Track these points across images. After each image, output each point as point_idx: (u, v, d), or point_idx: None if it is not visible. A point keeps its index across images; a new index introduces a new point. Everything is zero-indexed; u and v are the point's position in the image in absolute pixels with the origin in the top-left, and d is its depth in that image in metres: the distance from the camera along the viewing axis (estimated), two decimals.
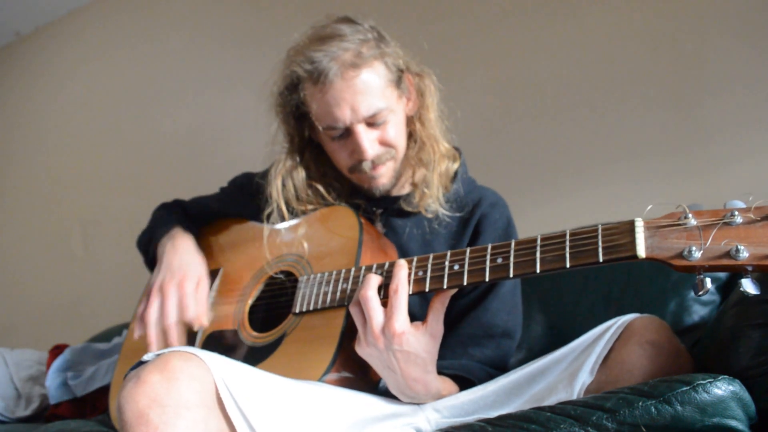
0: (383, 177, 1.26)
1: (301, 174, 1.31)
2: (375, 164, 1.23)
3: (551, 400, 0.95)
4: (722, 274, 1.46)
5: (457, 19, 2.25)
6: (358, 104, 1.17)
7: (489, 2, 2.21)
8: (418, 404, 1.08)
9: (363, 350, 1.00)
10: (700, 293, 0.77)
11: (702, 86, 1.84)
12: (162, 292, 1.20)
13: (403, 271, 0.99)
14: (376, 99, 1.19)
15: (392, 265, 1.02)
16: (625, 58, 1.95)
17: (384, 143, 1.23)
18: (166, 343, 1.18)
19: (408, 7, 2.35)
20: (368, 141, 1.20)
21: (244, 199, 1.39)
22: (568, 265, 0.85)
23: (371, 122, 1.20)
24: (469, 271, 0.95)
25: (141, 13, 3.16)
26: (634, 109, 1.92)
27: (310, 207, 1.30)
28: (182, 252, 1.29)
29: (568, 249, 0.86)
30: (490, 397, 1.04)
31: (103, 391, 1.75)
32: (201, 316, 1.20)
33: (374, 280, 1.00)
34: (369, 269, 1.07)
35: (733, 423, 0.79)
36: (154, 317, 1.18)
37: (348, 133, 1.21)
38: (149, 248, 1.41)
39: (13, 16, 3.42)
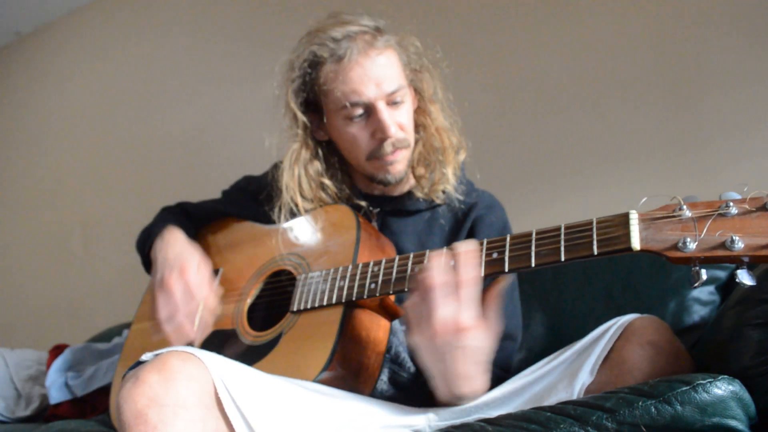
0: (400, 163, 1.25)
1: (316, 166, 1.30)
2: (395, 147, 1.23)
3: (551, 400, 0.94)
4: (721, 274, 1.46)
5: (455, 18, 2.25)
6: (383, 80, 1.19)
7: (488, 1, 2.21)
8: (418, 407, 1.08)
9: (414, 339, 0.92)
10: (696, 285, 0.77)
11: (701, 85, 1.83)
12: (166, 288, 1.17)
13: (475, 257, 0.89)
14: (397, 76, 1.22)
15: (457, 249, 0.91)
16: (625, 57, 1.95)
17: (401, 127, 1.24)
18: (184, 338, 1.14)
19: (407, 6, 2.34)
20: (390, 118, 1.21)
21: (245, 201, 1.39)
22: (563, 259, 0.85)
23: (391, 101, 1.21)
24: None
25: (141, 12, 3.16)
26: (634, 108, 1.92)
27: (310, 207, 1.30)
28: (174, 244, 1.28)
29: (563, 242, 0.86)
30: (490, 397, 1.03)
31: (103, 391, 1.75)
32: (209, 297, 1.18)
33: (443, 264, 0.89)
34: (366, 267, 1.06)
35: (733, 423, 0.79)
36: (165, 314, 1.15)
37: (369, 112, 1.21)
38: (145, 248, 1.42)
39: (13, 16, 3.41)
